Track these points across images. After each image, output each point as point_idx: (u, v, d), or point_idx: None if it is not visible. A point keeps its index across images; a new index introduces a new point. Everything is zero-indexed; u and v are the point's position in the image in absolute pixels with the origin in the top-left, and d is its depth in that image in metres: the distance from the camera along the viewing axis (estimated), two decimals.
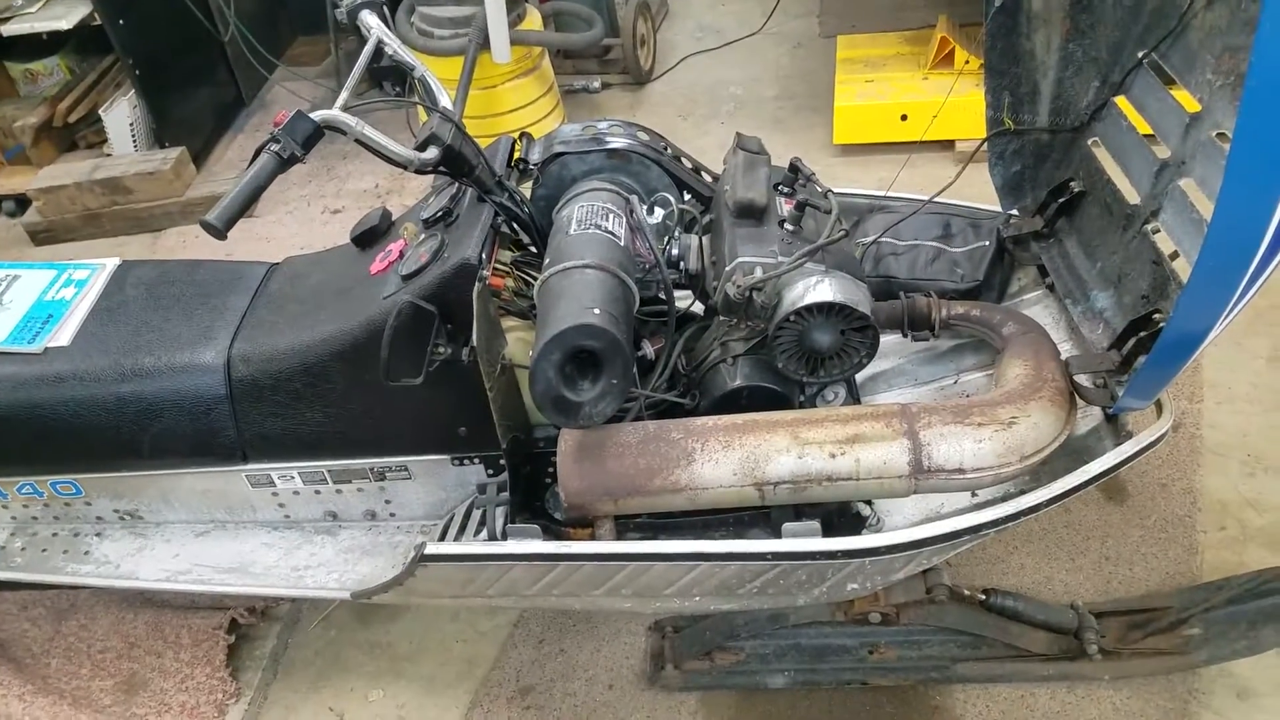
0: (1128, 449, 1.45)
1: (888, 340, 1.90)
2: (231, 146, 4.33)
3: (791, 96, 4.13)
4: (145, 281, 1.93)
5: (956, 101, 3.34)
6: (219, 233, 1.31)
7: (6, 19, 3.76)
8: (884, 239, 2.00)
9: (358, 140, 1.48)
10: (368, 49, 1.66)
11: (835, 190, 2.18)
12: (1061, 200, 1.80)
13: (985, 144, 1.93)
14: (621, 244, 1.62)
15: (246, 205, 1.32)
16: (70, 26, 3.73)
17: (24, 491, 1.89)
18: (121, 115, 3.91)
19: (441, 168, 1.58)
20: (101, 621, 2.19)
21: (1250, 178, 1.06)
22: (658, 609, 1.76)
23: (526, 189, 1.86)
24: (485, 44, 3.35)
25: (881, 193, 2.16)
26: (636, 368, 1.71)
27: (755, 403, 1.61)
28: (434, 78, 1.68)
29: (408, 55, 1.69)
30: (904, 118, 3.43)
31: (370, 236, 1.85)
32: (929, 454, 1.42)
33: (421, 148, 1.56)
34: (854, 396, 1.81)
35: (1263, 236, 1.10)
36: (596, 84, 4.47)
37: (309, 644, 2.26)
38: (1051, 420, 1.45)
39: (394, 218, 1.90)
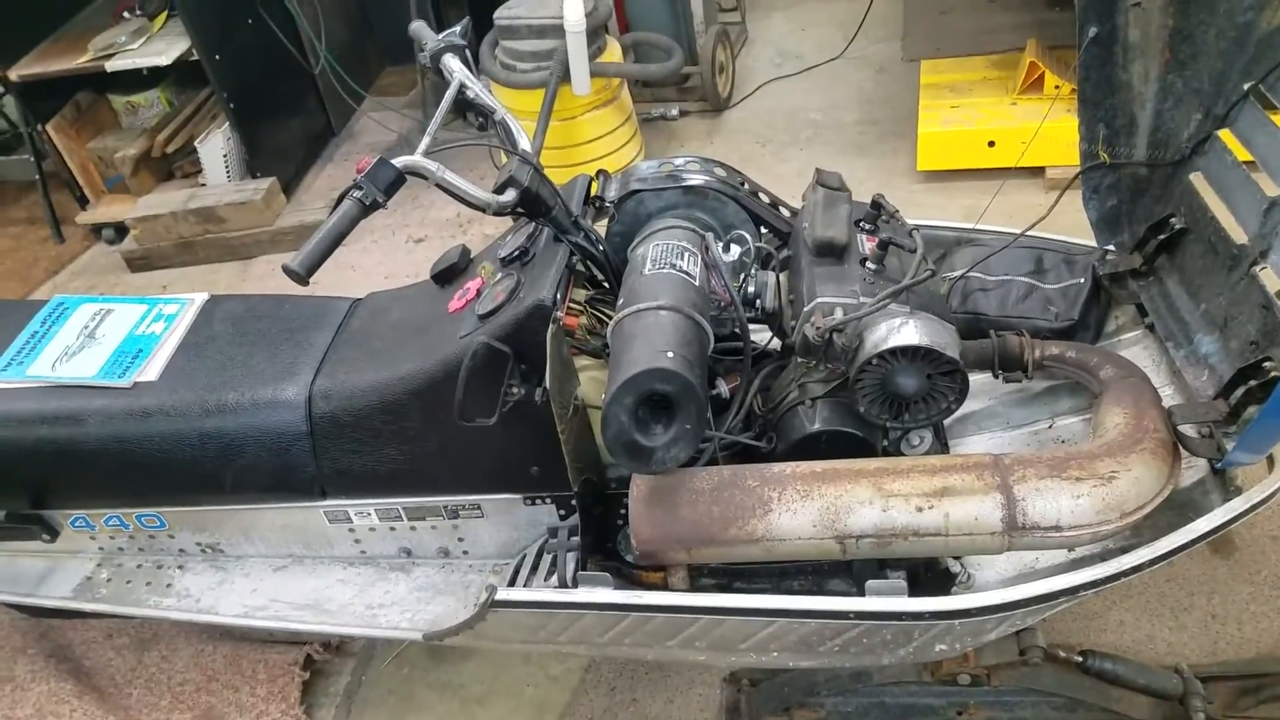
0: (1237, 506, 1.36)
1: (977, 380, 1.82)
2: (320, 176, 4.45)
3: (874, 122, 4.05)
4: (232, 316, 1.98)
5: (1047, 127, 3.21)
6: (302, 279, 1.32)
7: (111, 55, 3.94)
8: (973, 274, 1.93)
9: (438, 185, 1.49)
10: (450, 93, 1.68)
11: (919, 222, 2.12)
12: (1162, 237, 1.71)
13: (1079, 177, 1.85)
14: (696, 283, 1.59)
15: (329, 251, 1.34)
16: (170, 62, 3.88)
17: (110, 524, 1.93)
18: (216, 146, 4.05)
19: (519, 209, 1.58)
20: (182, 653, 2.23)
21: None
22: (733, 662, 1.72)
23: (602, 226, 1.85)
24: (566, 77, 3.39)
25: (969, 225, 2.09)
26: (711, 407, 1.68)
27: (835, 448, 1.56)
28: (514, 120, 1.68)
29: (489, 98, 1.70)
30: (991, 144, 3.34)
31: (450, 274, 1.87)
32: (1024, 510, 1.34)
33: (500, 190, 1.56)
34: (941, 441, 1.74)
35: None
36: (675, 111, 4.47)
37: (382, 681, 2.27)
38: (1154, 474, 1.37)
39: (472, 255, 1.91)
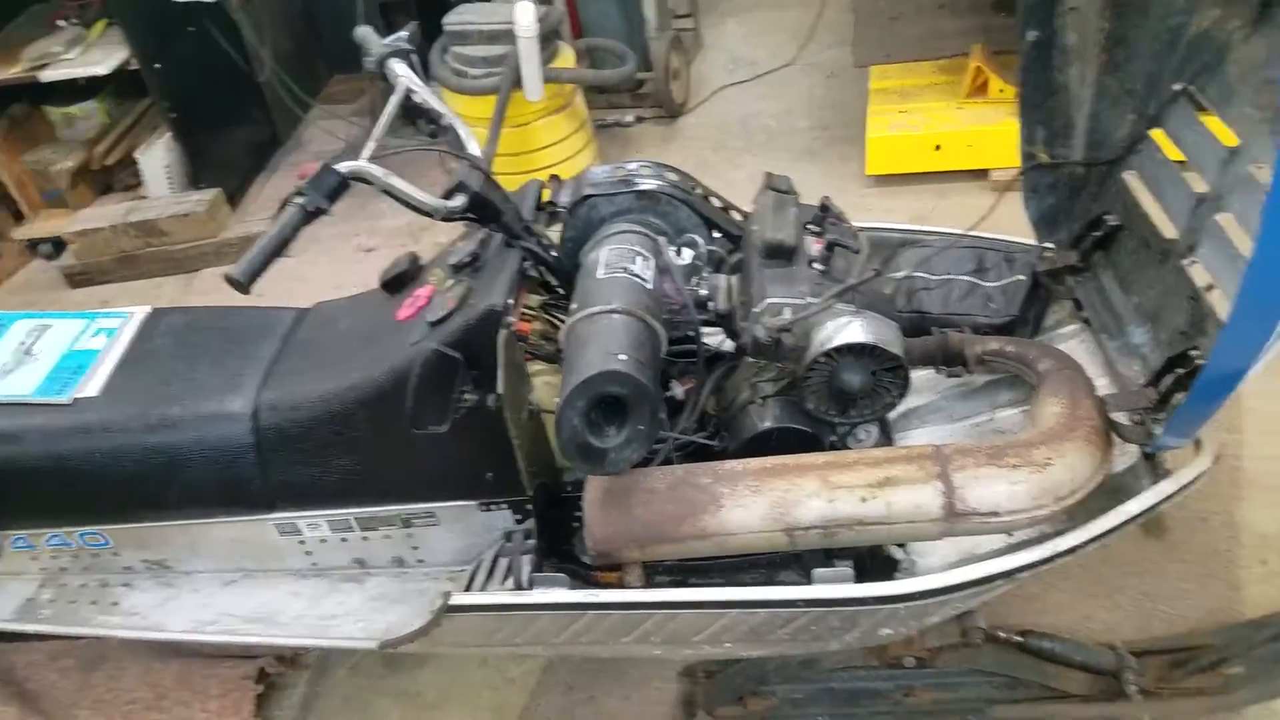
0: (1166, 488, 1.42)
1: (921, 376, 1.87)
2: (267, 186, 4.38)
3: (825, 127, 4.11)
4: (175, 330, 1.95)
5: (991, 130, 3.31)
6: (243, 288, 1.31)
7: (45, 65, 3.83)
8: (917, 274, 1.97)
9: (384, 190, 1.48)
10: (395, 98, 1.67)
11: (867, 224, 2.17)
12: (1097, 234, 1.77)
13: (1019, 177, 1.90)
14: (649, 287, 1.60)
15: (271, 259, 1.33)
16: (108, 72, 3.78)
17: (53, 543, 1.90)
18: (157, 158, 3.98)
19: (469, 214, 1.59)
20: (130, 672, 2.19)
21: None
22: (687, 655, 1.73)
23: (556, 232, 1.86)
24: (518, 82, 3.39)
25: (913, 227, 2.14)
26: (666, 408, 1.70)
27: (785, 444, 1.58)
28: (463, 125, 1.69)
29: (437, 103, 1.70)
30: (938, 148, 3.40)
31: (399, 282, 1.86)
32: (962, 497, 1.38)
33: (448, 195, 1.56)
34: (887, 435, 1.78)
35: None
36: (630, 118, 4.50)
37: (337, 692, 2.25)
38: (1087, 460, 1.41)
39: (423, 262, 1.91)
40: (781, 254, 1.65)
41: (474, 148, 1.66)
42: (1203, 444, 1.50)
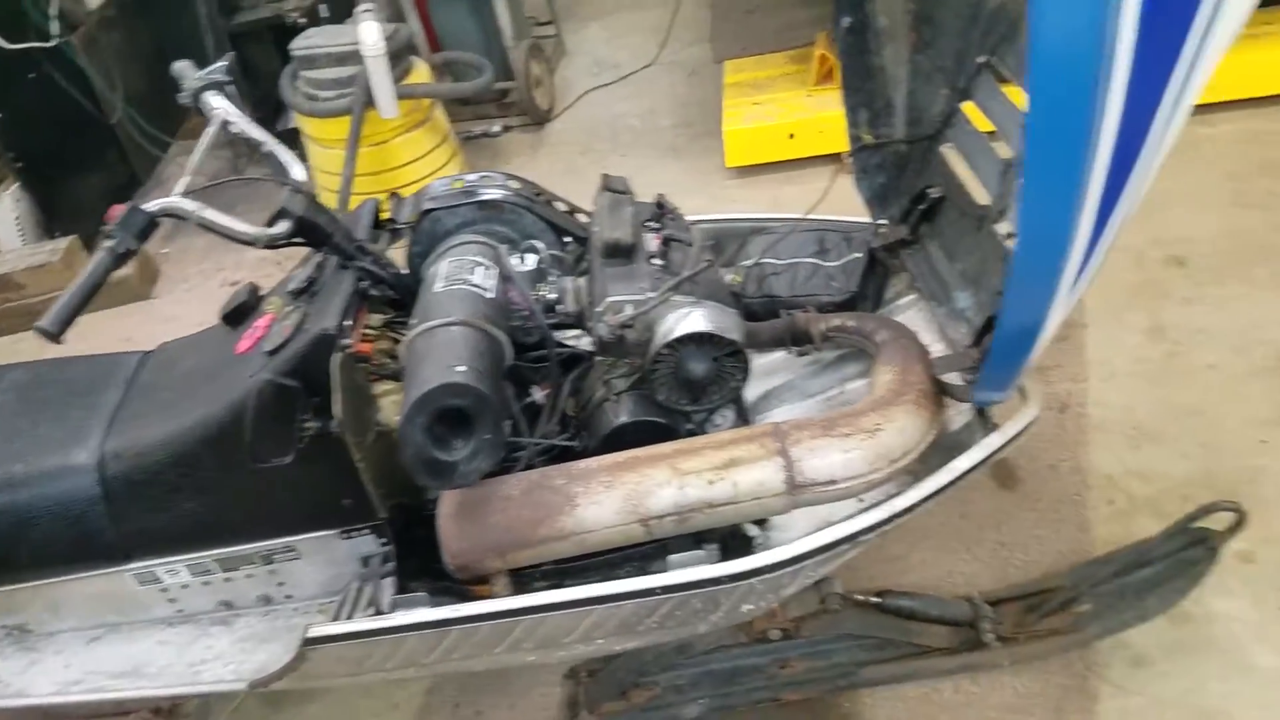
0: (995, 441, 1.49)
1: (777, 358, 1.93)
2: None
3: (688, 124, 4.19)
4: (18, 386, 1.88)
5: (839, 116, 3.39)
6: (54, 338, 1.28)
7: None
8: (764, 260, 2.03)
9: (199, 224, 1.46)
10: (211, 130, 1.65)
11: (717, 217, 2.24)
12: (922, 207, 1.84)
13: (849, 160, 1.98)
14: (489, 296, 1.61)
15: (81, 306, 1.30)
16: None
17: None
18: (6, 209, 3.83)
19: (295, 240, 1.57)
20: None
21: (1044, 171, 1.09)
22: (565, 658, 1.75)
23: (401, 250, 1.85)
24: (371, 102, 3.36)
25: (761, 215, 2.20)
26: (524, 415, 1.71)
27: (642, 437, 1.61)
28: (284, 150, 1.67)
29: (255, 131, 1.68)
30: (791, 136, 3.50)
31: (240, 314, 1.82)
32: (801, 469, 1.43)
33: (271, 223, 1.55)
34: (743, 418, 1.83)
35: (1068, 232, 1.13)
36: (497, 128, 4.49)
37: None
38: (917, 423, 1.47)
39: (263, 292, 1.88)
40: (620, 252, 1.68)
41: (297, 172, 1.64)
42: (1028, 395, 1.58)
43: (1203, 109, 3.21)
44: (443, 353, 1.44)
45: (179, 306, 3.72)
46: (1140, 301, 2.70)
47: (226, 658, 1.70)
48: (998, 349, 1.33)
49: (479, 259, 1.69)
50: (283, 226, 1.54)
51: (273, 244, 1.54)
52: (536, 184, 1.93)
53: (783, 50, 3.97)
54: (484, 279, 1.64)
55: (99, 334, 3.65)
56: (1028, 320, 1.28)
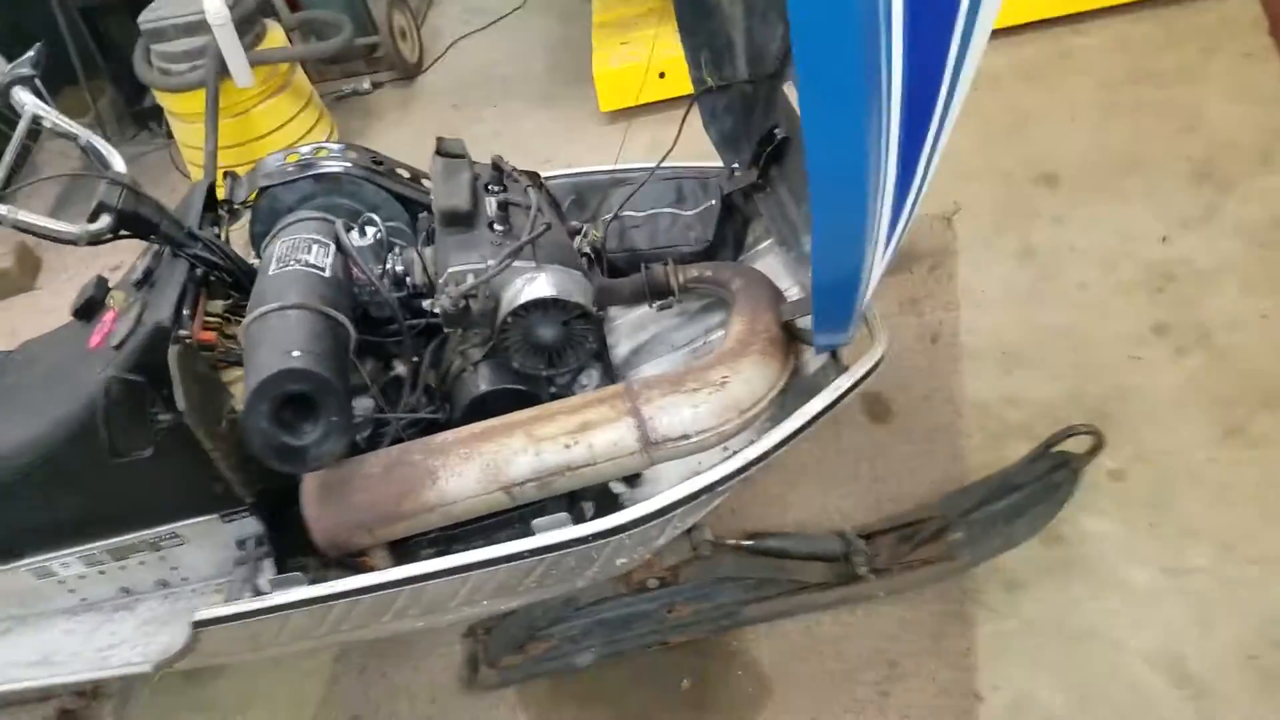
0: (843, 383, 1.51)
1: (646, 312, 1.94)
2: None
3: (560, 68, 4.10)
4: None
5: None
6: None
7: None
8: (625, 213, 2.02)
9: (13, 227, 1.40)
10: (21, 126, 1.58)
11: (574, 170, 2.22)
12: (769, 149, 1.85)
13: (694, 104, 1.97)
14: (326, 275, 1.59)
15: None
16: None
17: None
18: None
19: (121, 233, 1.52)
20: None
21: (819, 114, 1.06)
22: (453, 620, 1.77)
23: (242, 230, 1.80)
24: (225, 71, 3.22)
25: (620, 166, 2.19)
26: (395, 388, 1.70)
27: (504, 404, 1.62)
28: (100, 141, 1.61)
29: (68, 125, 1.63)
30: (662, 75, 3.43)
31: (89, 309, 1.76)
32: (654, 427, 1.46)
33: (93, 218, 1.49)
34: (610, 376, 1.85)
35: (859, 164, 1.12)
36: (366, 85, 4.37)
37: (145, 714, 2.25)
38: (764, 372, 1.51)
39: (111, 285, 1.81)
40: (459, 220, 1.67)
41: (117, 163, 1.58)
42: (875, 334, 1.60)
43: (1075, 18, 3.24)
44: (278, 338, 1.43)
45: (59, 299, 3.56)
46: (1010, 224, 2.69)
47: (131, 641, 1.72)
48: (819, 296, 1.36)
49: (315, 236, 1.66)
50: (104, 221, 1.49)
51: (96, 240, 1.49)
52: (375, 152, 1.90)
53: None
54: (320, 257, 1.61)
55: None
56: (843, 266, 1.29)
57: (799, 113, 1.07)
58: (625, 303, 1.91)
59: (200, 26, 3.19)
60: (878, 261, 1.38)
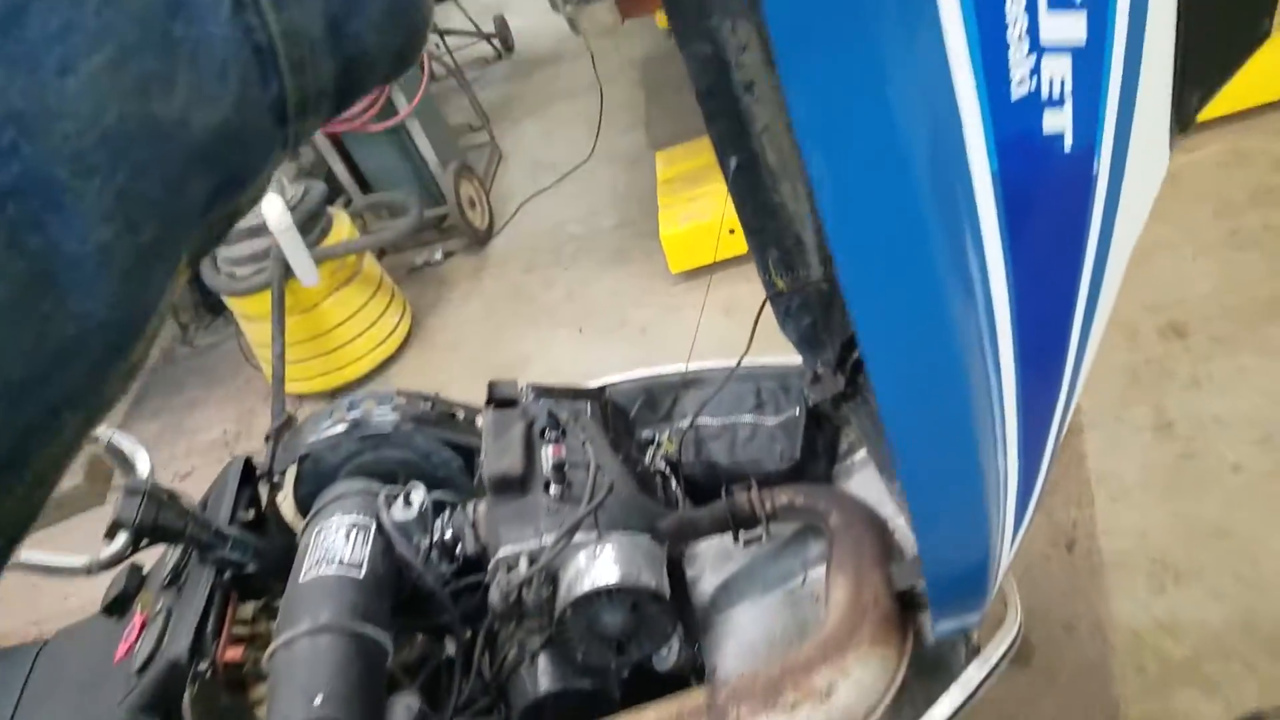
0: (974, 676, 1.24)
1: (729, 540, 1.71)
2: None
3: (630, 223, 4.00)
4: None
5: None
6: None
7: None
8: (701, 420, 1.82)
9: (17, 569, 1.26)
10: None
11: (642, 374, 2.02)
12: (856, 355, 1.63)
13: (765, 307, 1.77)
14: (362, 575, 1.40)
15: None
16: None
17: None
18: None
19: (139, 546, 1.38)
20: None
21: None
22: None
23: (288, 497, 1.66)
24: (290, 272, 3.20)
25: (693, 366, 1.99)
26: (446, 670, 1.50)
27: (567, 704, 1.40)
28: (127, 439, 1.48)
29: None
30: (732, 232, 3.26)
31: (121, 603, 1.61)
32: None
33: (110, 534, 1.35)
34: (691, 640, 1.60)
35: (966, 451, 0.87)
36: (438, 255, 4.35)
37: None
38: (877, 667, 1.24)
39: (146, 572, 1.68)
40: (510, 486, 1.47)
41: (142, 463, 1.45)
42: (1007, 600, 1.34)
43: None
44: (302, 676, 1.24)
45: None
46: (1140, 390, 2.32)
47: None
48: (933, 587, 1.10)
49: (355, 519, 1.48)
50: (120, 540, 1.34)
51: (113, 563, 1.34)
52: (426, 394, 1.74)
53: None
54: (358, 550, 1.43)
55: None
56: (958, 556, 1.04)
57: None
58: (706, 534, 1.68)
59: (263, 229, 3.19)
60: (1007, 540, 1.12)
